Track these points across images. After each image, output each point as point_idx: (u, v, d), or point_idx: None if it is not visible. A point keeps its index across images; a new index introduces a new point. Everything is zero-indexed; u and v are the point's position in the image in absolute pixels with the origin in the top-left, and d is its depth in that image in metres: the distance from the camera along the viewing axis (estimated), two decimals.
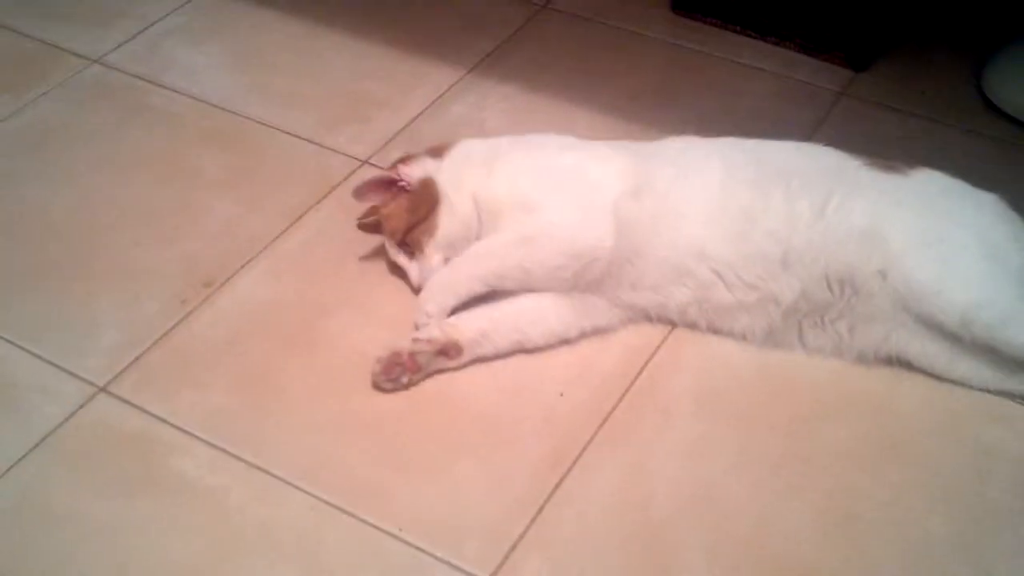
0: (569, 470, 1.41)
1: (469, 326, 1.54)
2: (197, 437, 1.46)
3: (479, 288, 1.55)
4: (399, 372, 1.50)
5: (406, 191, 1.62)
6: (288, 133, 1.95)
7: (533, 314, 1.55)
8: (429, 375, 1.52)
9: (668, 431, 1.46)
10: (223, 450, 1.44)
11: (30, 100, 2.04)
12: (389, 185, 1.63)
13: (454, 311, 1.56)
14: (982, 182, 1.56)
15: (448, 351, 1.52)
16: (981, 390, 1.49)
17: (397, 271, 1.65)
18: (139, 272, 1.69)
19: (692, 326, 1.57)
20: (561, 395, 1.50)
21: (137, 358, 1.56)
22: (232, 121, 1.98)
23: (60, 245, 1.75)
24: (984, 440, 1.45)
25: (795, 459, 1.42)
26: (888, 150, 1.58)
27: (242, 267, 1.69)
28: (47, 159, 1.91)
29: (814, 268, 1.48)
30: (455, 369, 1.53)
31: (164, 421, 1.48)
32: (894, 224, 1.46)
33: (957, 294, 1.43)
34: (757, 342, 1.55)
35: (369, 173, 1.85)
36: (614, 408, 1.48)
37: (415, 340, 1.52)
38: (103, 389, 1.52)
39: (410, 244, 1.60)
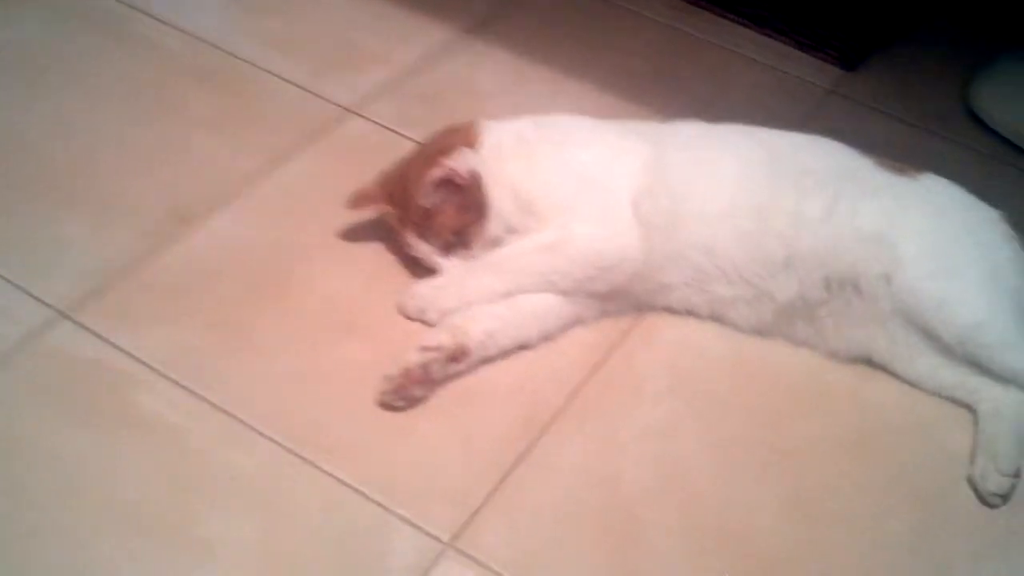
0: (538, 439, 1.40)
1: (476, 328, 1.45)
2: (161, 373, 1.42)
3: (496, 298, 1.49)
4: (414, 389, 1.42)
5: (458, 188, 1.49)
6: (276, 76, 1.91)
7: (537, 312, 1.49)
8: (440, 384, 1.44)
9: (640, 407, 1.45)
10: (188, 389, 1.40)
11: (7, 20, 1.96)
12: (444, 184, 1.48)
13: None
14: None
15: (457, 356, 1.44)
16: (932, 392, 1.49)
17: (374, 233, 1.61)
18: (113, 201, 1.65)
19: (691, 312, 1.54)
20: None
21: (104, 287, 1.52)
22: (219, 58, 1.93)
23: (32, 167, 1.69)
24: (950, 446, 1.45)
25: (764, 446, 1.42)
26: (871, 151, 1.58)
27: (220, 205, 1.65)
28: (24, 79, 1.85)
29: (816, 270, 1.47)
30: (462, 374, 1.46)
31: (128, 353, 1.44)
32: (904, 231, 1.45)
33: (960, 311, 1.43)
34: (746, 331, 1.53)
35: (355, 123, 1.83)
36: (587, 380, 1.47)
37: (424, 349, 1.42)
38: (65, 315, 1.47)
39: (452, 243, 1.51)
